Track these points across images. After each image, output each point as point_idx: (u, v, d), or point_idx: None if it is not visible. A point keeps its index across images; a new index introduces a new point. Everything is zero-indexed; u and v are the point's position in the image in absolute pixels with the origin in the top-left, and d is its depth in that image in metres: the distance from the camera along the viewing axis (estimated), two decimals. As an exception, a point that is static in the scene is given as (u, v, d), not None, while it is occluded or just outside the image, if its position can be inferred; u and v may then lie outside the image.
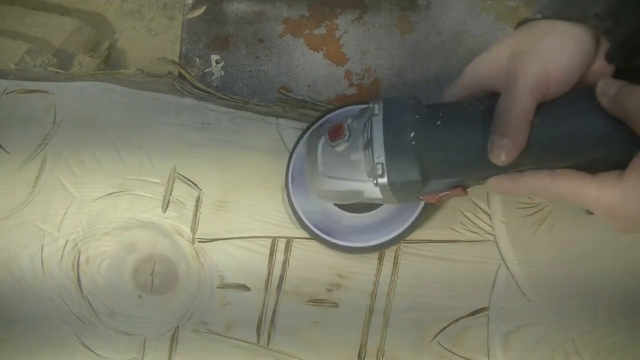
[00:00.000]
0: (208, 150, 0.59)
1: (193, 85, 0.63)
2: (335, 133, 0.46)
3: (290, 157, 0.56)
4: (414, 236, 0.57)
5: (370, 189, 0.46)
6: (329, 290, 0.56)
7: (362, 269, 0.56)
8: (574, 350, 0.54)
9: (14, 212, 0.58)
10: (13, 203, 0.58)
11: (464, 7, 0.67)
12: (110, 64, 0.67)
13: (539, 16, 0.44)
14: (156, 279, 0.56)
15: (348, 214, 0.55)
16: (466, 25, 0.66)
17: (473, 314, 0.55)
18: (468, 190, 0.47)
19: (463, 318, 0.55)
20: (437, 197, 0.46)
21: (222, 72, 0.65)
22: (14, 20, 0.68)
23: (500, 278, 0.56)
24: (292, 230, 0.57)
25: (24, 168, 0.59)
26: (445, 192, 0.46)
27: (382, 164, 0.44)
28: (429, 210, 0.55)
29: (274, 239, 0.57)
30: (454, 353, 0.55)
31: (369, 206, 0.54)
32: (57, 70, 0.64)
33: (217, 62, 0.65)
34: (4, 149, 0.59)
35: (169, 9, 0.69)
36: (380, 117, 0.44)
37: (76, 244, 0.57)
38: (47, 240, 0.57)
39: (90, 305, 0.56)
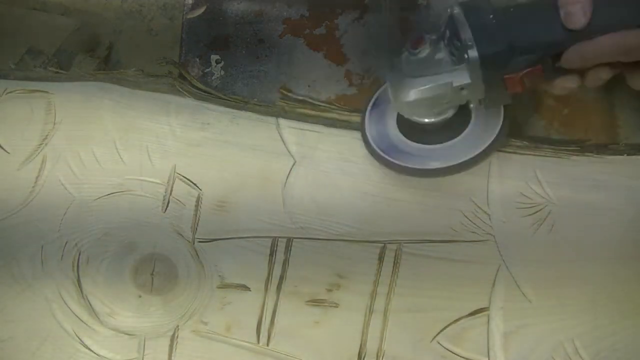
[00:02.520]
0: (208, 150, 0.59)
1: (193, 85, 0.63)
2: (417, 42, 0.50)
3: (364, 121, 0.58)
4: (414, 236, 0.57)
5: (458, 76, 0.50)
6: (329, 290, 0.56)
7: (362, 269, 0.56)
8: (574, 350, 0.54)
9: (14, 212, 0.58)
10: (13, 203, 0.58)
11: (464, 7, 0.67)
12: (110, 64, 0.67)
13: None
14: (156, 279, 0.56)
15: (422, 145, 0.57)
16: (466, 25, 0.66)
17: (473, 314, 0.55)
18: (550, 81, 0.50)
19: (463, 318, 0.55)
20: (519, 76, 0.49)
21: (222, 72, 0.65)
22: (14, 20, 0.68)
23: (500, 278, 0.56)
24: (292, 230, 0.57)
25: (24, 168, 0.59)
26: (528, 70, 0.49)
27: (471, 39, 0.47)
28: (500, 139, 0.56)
29: (274, 239, 0.57)
30: (454, 353, 0.55)
31: (441, 136, 0.57)
32: (57, 70, 0.64)
33: (217, 62, 0.65)
34: (4, 149, 0.59)
35: (169, 9, 0.69)
36: (460, 9, 0.49)
37: (76, 244, 0.57)
38: (47, 240, 0.57)
39: (90, 305, 0.56)
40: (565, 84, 0.51)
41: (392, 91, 0.53)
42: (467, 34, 0.48)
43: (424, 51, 0.50)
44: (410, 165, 0.56)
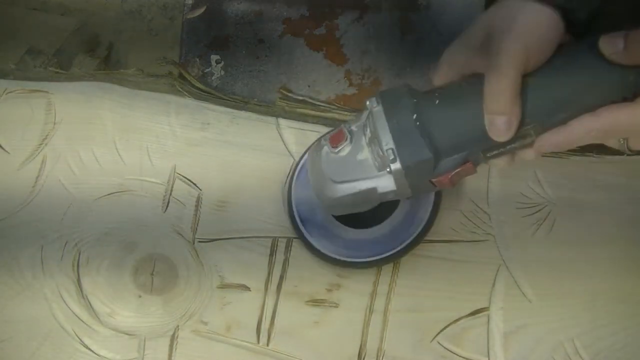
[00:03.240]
0: (208, 150, 0.59)
1: (193, 85, 0.63)
2: (337, 138, 0.47)
3: (291, 205, 0.56)
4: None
5: (383, 182, 0.46)
6: (329, 290, 0.56)
7: (362, 269, 0.56)
8: (574, 350, 0.54)
9: (14, 212, 0.58)
10: (13, 203, 0.58)
11: (464, 7, 0.67)
12: (110, 64, 0.67)
13: None
14: (156, 279, 0.56)
15: (354, 230, 0.56)
16: (466, 25, 0.66)
17: (473, 314, 0.55)
18: (477, 168, 0.47)
19: (463, 318, 0.55)
20: (449, 177, 0.46)
21: (222, 72, 0.65)
22: (14, 20, 0.68)
23: (500, 278, 0.56)
24: (292, 230, 0.57)
25: (24, 168, 0.59)
26: (457, 170, 0.46)
27: (392, 149, 0.44)
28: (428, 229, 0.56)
29: (274, 239, 0.57)
30: (454, 353, 0.55)
31: (372, 219, 0.55)
32: (57, 70, 0.64)
33: (217, 62, 0.65)
34: (4, 149, 0.59)
35: (169, 9, 0.69)
36: (380, 108, 0.45)
37: (76, 244, 0.57)
38: (47, 240, 0.57)
39: (90, 305, 0.56)
40: (499, 165, 0.48)
41: (315, 191, 0.50)
42: (387, 142, 0.44)
43: (345, 149, 0.47)
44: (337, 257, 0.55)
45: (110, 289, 0.56)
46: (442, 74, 0.47)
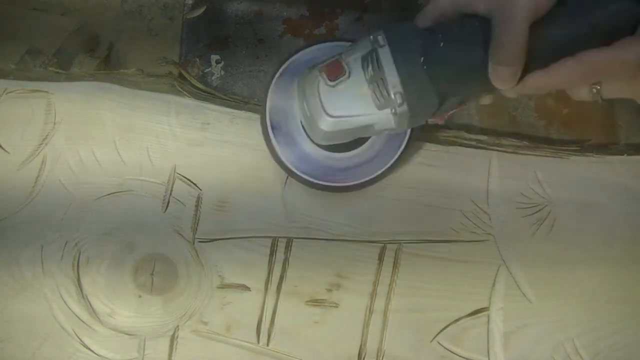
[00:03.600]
0: (208, 150, 0.59)
1: (193, 85, 0.63)
2: (334, 71, 0.45)
3: (264, 108, 0.55)
4: (414, 236, 0.57)
5: (382, 120, 0.46)
6: (329, 290, 0.56)
7: (362, 269, 0.56)
8: (574, 350, 0.54)
9: (14, 212, 0.58)
10: (13, 203, 0.58)
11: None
12: (110, 64, 0.67)
13: None
14: (156, 279, 0.56)
15: (335, 154, 0.55)
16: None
17: (473, 314, 0.55)
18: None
19: (463, 318, 0.55)
20: (445, 116, 0.47)
21: (222, 72, 0.65)
22: (14, 20, 0.68)
23: (500, 278, 0.56)
24: (292, 230, 0.57)
25: (24, 168, 0.59)
26: (453, 110, 0.47)
27: (400, 93, 0.44)
28: (411, 146, 0.56)
29: (274, 239, 0.57)
30: (454, 353, 0.55)
31: (351, 144, 0.54)
32: (57, 70, 0.64)
33: (217, 62, 0.65)
34: (4, 149, 0.59)
35: (169, 9, 0.69)
36: (387, 48, 0.44)
37: (76, 244, 0.57)
38: (47, 240, 0.57)
39: (90, 305, 0.56)
40: (485, 102, 0.50)
41: (306, 123, 0.49)
42: (395, 85, 0.43)
43: (343, 83, 0.45)
44: (315, 180, 0.55)
45: (110, 289, 0.56)
46: (439, 9, 0.46)
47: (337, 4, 0.66)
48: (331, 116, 0.46)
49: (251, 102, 0.62)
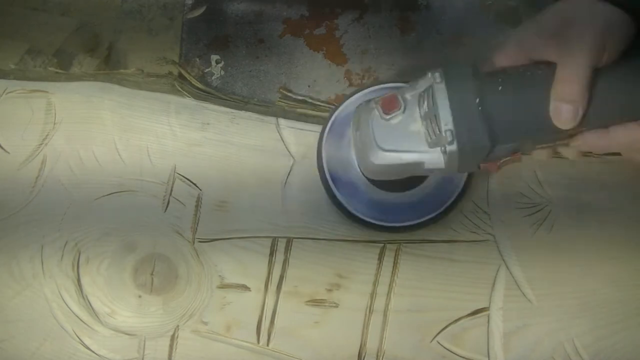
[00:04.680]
0: (208, 150, 0.59)
1: (193, 85, 0.63)
2: (390, 105, 0.45)
3: (320, 144, 0.56)
4: (414, 236, 0.57)
5: (433, 159, 0.45)
6: (329, 290, 0.56)
7: (362, 269, 0.56)
8: (574, 350, 0.54)
9: (14, 212, 0.58)
10: (13, 203, 0.58)
11: (464, 7, 0.67)
12: (110, 64, 0.67)
13: None
14: (156, 279, 0.56)
15: (387, 193, 0.55)
16: (466, 25, 0.66)
17: (473, 314, 0.55)
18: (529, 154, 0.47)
19: (463, 318, 0.55)
20: (498, 164, 0.46)
21: (222, 72, 0.65)
22: (14, 20, 0.68)
23: (500, 278, 0.56)
24: (292, 230, 0.57)
25: (24, 168, 0.59)
26: (507, 158, 0.46)
27: (451, 130, 0.43)
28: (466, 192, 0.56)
29: (274, 239, 0.57)
30: (454, 353, 0.55)
31: (405, 185, 0.55)
32: (57, 70, 0.64)
33: (217, 62, 0.65)
34: (4, 149, 0.59)
35: (169, 9, 0.69)
36: (443, 85, 0.44)
37: (76, 244, 0.57)
38: (47, 240, 0.57)
39: (90, 305, 0.56)
40: (541, 157, 0.48)
41: (358, 154, 0.49)
42: (447, 122, 0.43)
43: (397, 117, 0.45)
44: (382, 223, 0.55)
45: (110, 289, 0.56)
46: (508, 55, 0.46)
47: (337, 4, 0.66)
48: (382, 149, 0.45)
49: (251, 102, 0.62)
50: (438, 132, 0.44)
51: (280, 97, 0.63)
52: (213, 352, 0.55)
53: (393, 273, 0.56)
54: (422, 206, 0.55)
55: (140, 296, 0.56)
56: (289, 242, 0.57)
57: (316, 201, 0.58)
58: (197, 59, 0.65)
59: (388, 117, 0.45)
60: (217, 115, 0.60)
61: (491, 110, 0.43)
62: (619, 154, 0.45)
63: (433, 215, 0.55)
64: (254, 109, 0.61)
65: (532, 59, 0.45)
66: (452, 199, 0.55)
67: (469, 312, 0.55)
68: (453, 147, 0.43)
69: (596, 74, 0.42)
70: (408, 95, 0.45)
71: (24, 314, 0.56)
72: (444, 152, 0.44)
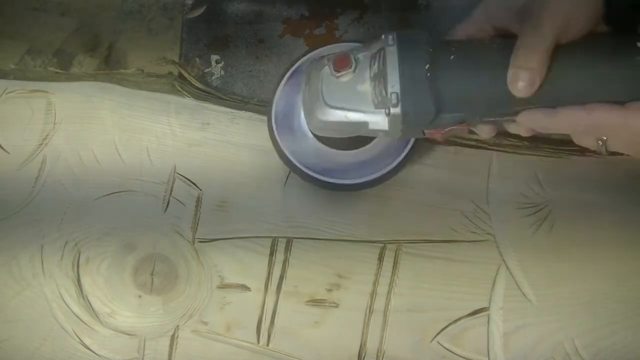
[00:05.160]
0: (208, 150, 0.59)
1: (193, 85, 0.63)
2: (341, 63, 0.45)
3: (272, 100, 0.55)
4: (414, 236, 0.57)
5: (377, 120, 0.46)
6: (329, 290, 0.56)
7: (362, 269, 0.56)
8: (574, 350, 0.54)
9: (14, 212, 0.58)
10: (13, 203, 0.58)
11: (464, 7, 0.67)
12: (110, 64, 0.67)
13: None
14: (156, 279, 0.56)
15: (337, 151, 0.55)
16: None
17: (473, 314, 0.55)
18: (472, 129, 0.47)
19: (463, 318, 0.55)
20: (442, 132, 0.46)
21: (222, 72, 0.65)
22: (14, 20, 0.68)
23: (500, 278, 0.56)
24: (292, 230, 0.57)
25: (24, 168, 0.59)
26: (451, 127, 0.46)
27: (396, 93, 0.43)
28: (416, 151, 0.55)
29: (274, 239, 0.57)
30: (454, 353, 0.55)
31: (356, 143, 0.54)
32: (57, 70, 0.64)
33: (217, 62, 0.65)
34: (4, 149, 0.59)
35: (169, 9, 0.69)
36: (395, 47, 0.44)
37: (76, 244, 0.57)
38: (47, 240, 0.57)
39: (90, 305, 0.56)
40: (483, 132, 0.48)
41: (305, 107, 0.49)
42: (394, 85, 0.43)
43: (347, 76, 0.45)
44: (318, 176, 0.55)
45: (110, 289, 0.56)
46: (473, 24, 0.46)
47: (337, 4, 0.66)
48: (329, 106, 0.46)
49: (251, 102, 0.62)
50: (384, 94, 0.44)
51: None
52: (213, 352, 0.55)
53: (393, 273, 0.56)
54: (365, 167, 0.55)
55: (140, 296, 0.56)
56: (289, 242, 0.57)
57: (316, 201, 0.58)
58: (197, 59, 0.65)
59: (338, 74, 0.45)
60: (217, 115, 0.60)
61: (440, 78, 0.43)
62: (618, 153, 0.46)
63: (372, 177, 0.54)
64: (254, 109, 0.61)
65: (496, 28, 0.46)
66: (394, 164, 0.54)
67: (469, 312, 0.55)
68: (397, 110, 0.44)
69: (556, 49, 0.42)
70: (360, 56, 0.46)
71: (24, 314, 0.56)
72: (388, 115, 0.44)
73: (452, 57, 0.44)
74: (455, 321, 0.55)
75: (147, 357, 0.55)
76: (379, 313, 0.55)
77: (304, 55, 0.57)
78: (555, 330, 0.55)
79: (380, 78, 0.44)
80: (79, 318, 0.56)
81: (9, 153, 0.59)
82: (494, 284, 0.56)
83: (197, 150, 0.59)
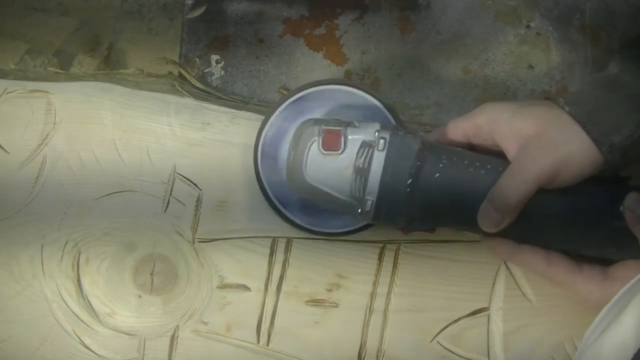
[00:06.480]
0: (208, 150, 0.59)
1: (193, 85, 0.63)
2: (331, 143, 0.46)
3: (259, 136, 0.55)
4: (414, 236, 0.57)
5: (349, 208, 0.47)
6: (329, 290, 0.56)
7: (362, 269, 0.56)
8: (574, 350, 0.54)
9: (14, 212, 0.58)
10: (13, 203, 0.58)
11: (464, 7, 0.67)
12: (110, 64, 0.67)
13: (567, 109, 0.45)
14: (156, 279, 0.56)
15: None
16: (466, 25, 0.66)
17: (473, 314, 0.55)
18: None
19: (463, 318, 0.55)
20: (409, 232, 0.51)
21: (222, 72, 0.65)
22: (14, 20, 0.68)
23: (500, 278, 0.56)
24: (292, 230, 0.57)
25: (24, 168, 0.59)
26: (420, 231, 0.51)
27: (372, 201, 0.45)
28: None
29: (274, 239, 0.57)
30: (454, 353, 0.55)
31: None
32: (57, 70, 0.64)
33: (217, 62, 0.65)
34: (4, 149, 0.59)
35: (169, 9, 0.69)
36: (384, 155, 0.45)
37: (76, 244, 0.57)
38: (47, 240, 0.57)
39: (90, 305, 0.56)
40: (497, 251, 0.51)
41: (287, 168, 0.50)
42: (371, 193, 0.45)
43: (333, 157, 0.46)
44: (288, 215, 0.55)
45: (110, 289, 0.56)
46: (470, 127, 0.48)
47: (337, 4, 0.66)
48: (309, 179, 0.47)
49: (251, 102, 0.62)
50: (361, 195, 0.45)
51: (280, 97, 0.63)
52: (213, 352, 0.55)
53: (393, 273, 0.56)
54: (343, 218, 0.54)
55: (140, 296, 0.56)
56: (289, 242, 0.57)
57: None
58: (197, 59, 0.65)
59: (325, 152, 0.46)
60: (217, 115, 0.60)
61: (419, 195, 0.45)
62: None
63: (350, 229, 0.54)
64: (254, 109, 0.61)
65: (492, 139, 0.47)
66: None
67: (469, 312, 0.55)
68: (369, 213, 0.46)
69: (539, 192, 0.43)
70: (351, 138, 0.46)
71: (24, 314, 0.56)
72: (360, 213, 0.46)
73: (437, 175, 0.45)
74: (455, 321, 0.55)
75: (147, 357, 0.55)
76: (379, 313, 0.55)
77: (303, 89, 0.55)
78: (555, 330, 0.55)
79: (362, 177, 0.45)
80: (79, 318, 0.56)
81: (9, 153, 0.59)
82: (493, 284, 0.56)
83: (197, 150, 0.59)
